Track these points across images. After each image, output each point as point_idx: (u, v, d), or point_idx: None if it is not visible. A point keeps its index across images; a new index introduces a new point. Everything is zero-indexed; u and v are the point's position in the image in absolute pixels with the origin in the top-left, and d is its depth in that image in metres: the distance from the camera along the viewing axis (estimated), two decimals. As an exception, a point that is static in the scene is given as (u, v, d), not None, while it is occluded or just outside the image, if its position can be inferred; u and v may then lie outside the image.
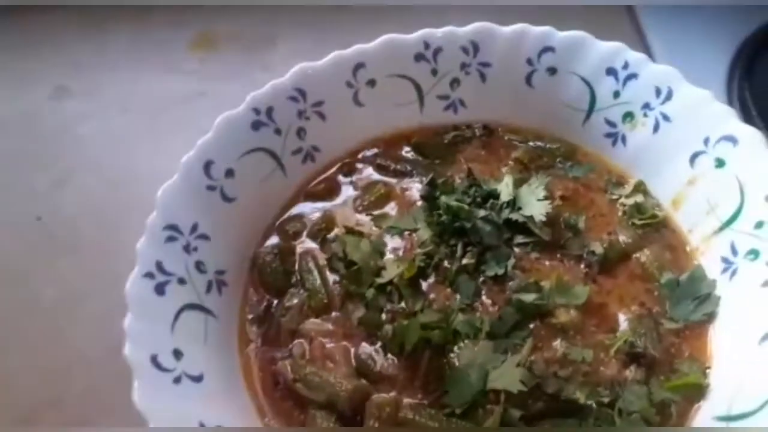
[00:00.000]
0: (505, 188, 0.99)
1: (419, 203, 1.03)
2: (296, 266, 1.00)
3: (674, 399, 0.85)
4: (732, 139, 0.94)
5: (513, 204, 0.98)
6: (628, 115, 1.04)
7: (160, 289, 0.85)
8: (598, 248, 0.97)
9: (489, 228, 0.96)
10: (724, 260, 0.94)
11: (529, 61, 1.07)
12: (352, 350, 0.91)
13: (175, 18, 1.54)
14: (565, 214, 1.01)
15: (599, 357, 0.88)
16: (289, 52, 1.47)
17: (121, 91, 1.44)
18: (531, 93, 1.09)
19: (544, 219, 0.96)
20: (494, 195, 1.00)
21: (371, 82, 1.08)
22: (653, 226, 1.01)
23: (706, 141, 0.96)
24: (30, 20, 1.54)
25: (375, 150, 1.12)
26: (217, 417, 0.80)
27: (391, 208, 1.05)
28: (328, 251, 1.00)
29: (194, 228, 0.93)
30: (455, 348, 0.87)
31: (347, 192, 1.09)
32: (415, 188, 1.07)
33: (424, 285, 0.95)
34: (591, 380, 0.85)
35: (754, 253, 0.90)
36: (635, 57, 1.02)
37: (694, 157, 0.98)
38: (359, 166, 1.11)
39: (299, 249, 1.02)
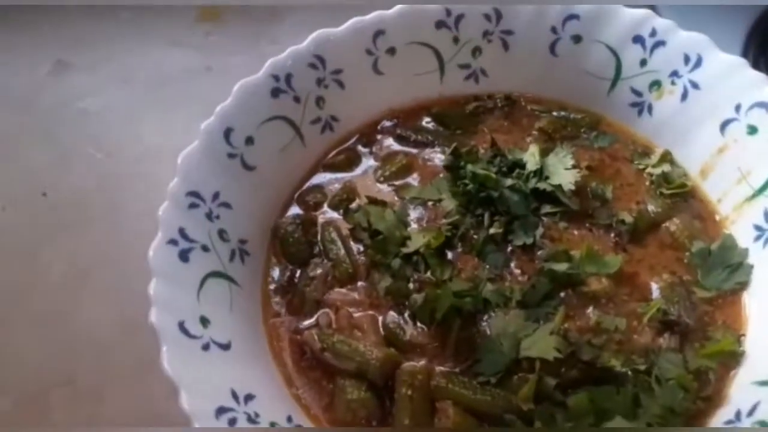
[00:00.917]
0: (531, 158, 0.98)
1: (442, 174, 1.01)
2: (318, 237, 0.98)
3: (710, 366, 0.83)
4: (766, 106, 0.92)
5: (540, 173, 0.97)
6: (655, 84, 1.03)
7: (184, 256, 0.83)
8: (627, 217, 0.95)
9: (516, 197, 0.95)
10: (757, 228, 0.92)
11: (554, 29, 1.05)
12: (380, 319, 0.89)
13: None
14: (591, 183, 0.99)
15: (632, 325, 0.86)
16: (296, 25, 1.44)
17: (124, 65, 1.41)
18: (555, 62, 1.07)
19: (572, 188, 0.95)
20: (520, 164, 0.98)
21: (391, 50, 1.05)
22: (681, 195, 1.00)
23: (738, 108, 0.95)
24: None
25: (394, 120, 1.10)
26: (248, 386, 0.77)
27: (413, 179, 1.04)
28: (351, 221, 0.98)
29: (216, 196, 0.90)
30: (485, 317, 0.86)
31: (367, 163, 1.07)
32: (437, 158, 1.05)
33: (450, 255, 0.93)
34: (625, 348, 0.84)
35: (789, 219, 0.89)
36: (663, 24, 1.00)
37: (725, 124, 0.96)
38: (379, 137, 1.09)
39: (321, 219, 1.00)
